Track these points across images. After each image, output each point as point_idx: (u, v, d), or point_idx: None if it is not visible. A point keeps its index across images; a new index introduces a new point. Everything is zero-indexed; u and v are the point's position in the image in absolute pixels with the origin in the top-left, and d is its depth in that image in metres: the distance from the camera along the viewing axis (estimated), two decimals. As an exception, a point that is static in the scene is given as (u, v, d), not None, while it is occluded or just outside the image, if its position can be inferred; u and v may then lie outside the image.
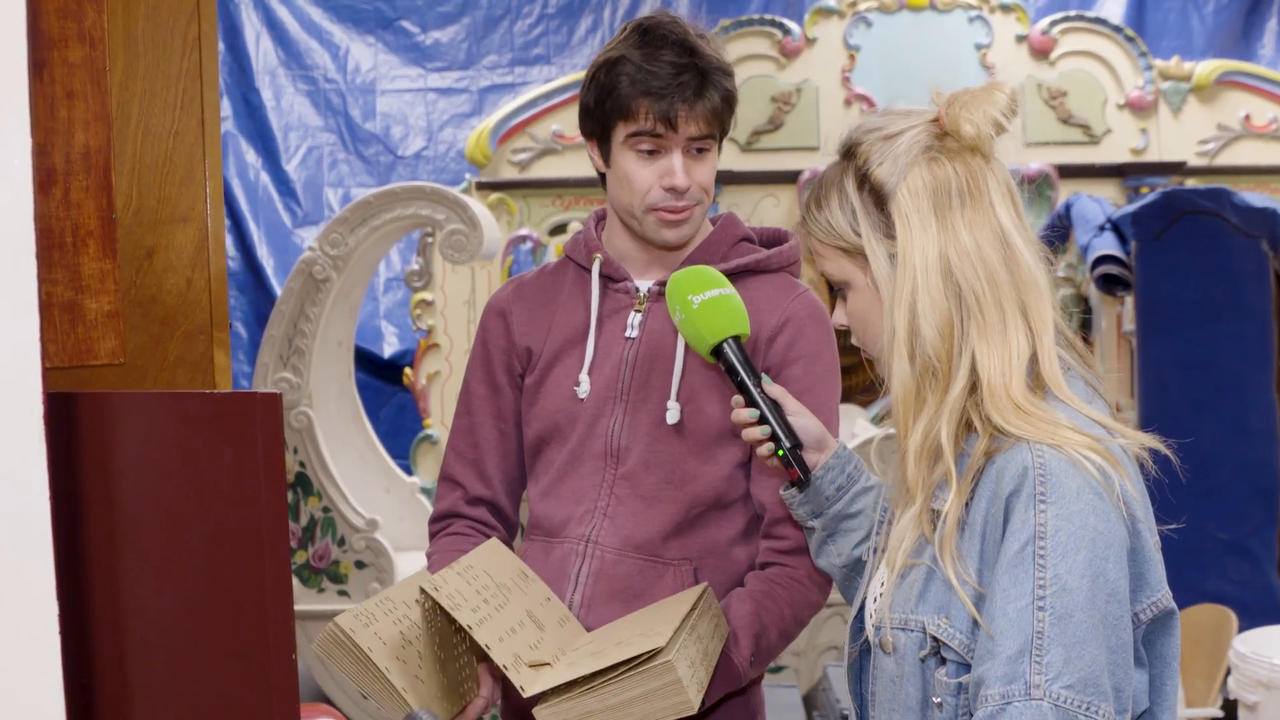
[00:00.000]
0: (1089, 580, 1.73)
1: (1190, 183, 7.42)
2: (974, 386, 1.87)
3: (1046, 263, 1.95)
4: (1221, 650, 4.60)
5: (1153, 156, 7.67)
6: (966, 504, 1.84)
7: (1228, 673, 4.30)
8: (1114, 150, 7.68)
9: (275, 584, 1.50)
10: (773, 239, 2.64)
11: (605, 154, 2.52)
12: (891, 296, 1.94)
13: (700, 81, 2.43)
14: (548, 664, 2.26)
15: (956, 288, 1.88)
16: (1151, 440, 1.89)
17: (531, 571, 2.49)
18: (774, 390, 2.26)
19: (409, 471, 7.29)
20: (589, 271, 2.62)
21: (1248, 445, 5.86)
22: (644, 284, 2.58)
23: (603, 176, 2.58)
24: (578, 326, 2.59)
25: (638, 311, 2.56)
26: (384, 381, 8.61)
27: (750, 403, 2.23)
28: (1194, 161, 7.69)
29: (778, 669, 5.89)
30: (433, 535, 2.69)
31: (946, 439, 1.87)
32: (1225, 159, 7.72)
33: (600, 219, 2.68)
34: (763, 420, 2.22)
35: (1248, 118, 7.72)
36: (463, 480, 2.66)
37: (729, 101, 2.48)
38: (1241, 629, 4.59)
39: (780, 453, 2.22)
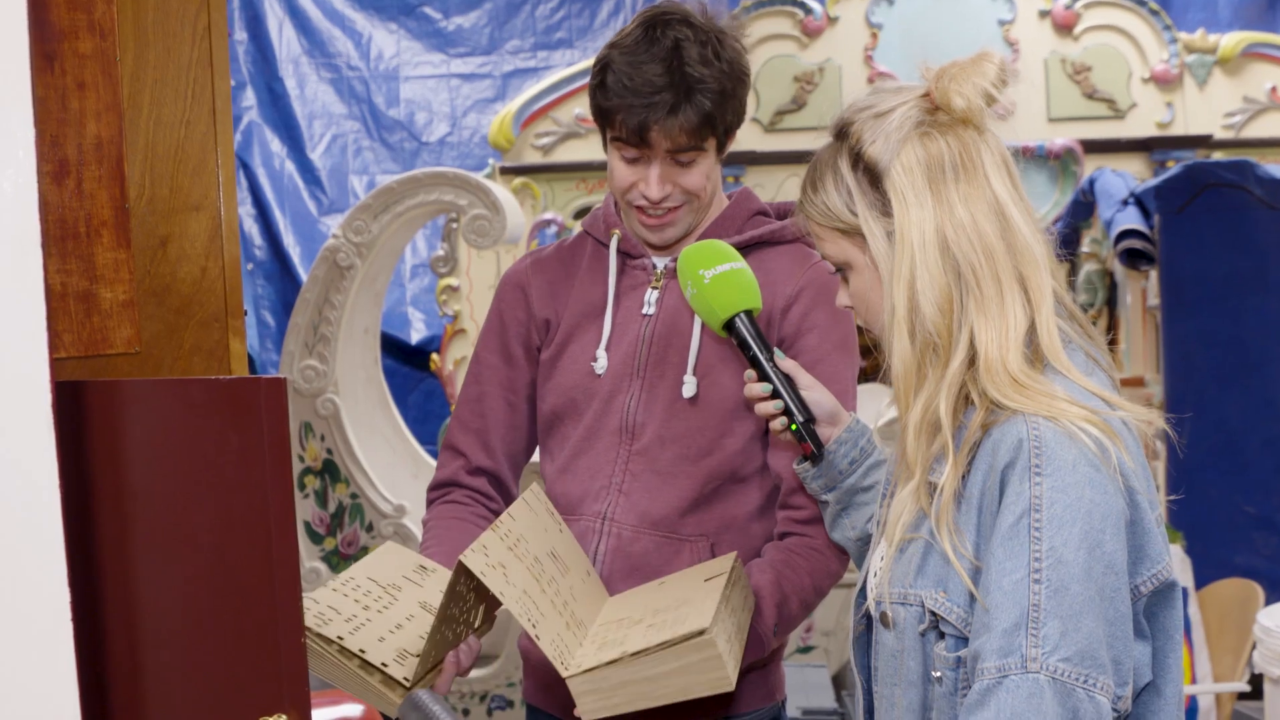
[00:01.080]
0: (1085, 552, 1.72)
1: (1216, 156, 7.38)
2: (972, 360, 1.87)
3: (1044, 233, 1.94)
4: (1248, 625, 4.58)
5: (1178, 130, 7.64)
6: (963, 477, 1.84)
7: (1254, 646, 4.29)
8: (1139, 124, 7.65)
9: (283, 568, 1.51)
10: (787, 211, 2.64)
11: (605, 143, 2.53)
12: (890, 274, 1.93)
13: (677, 99, 2.39)
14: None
15: (954, 262, 1.88)
16: (1150, 414, 1.89)
17: (559, 522, 2.46)
18: (786, 364, 2.26)
19: (437, 457, 7.30)
20: (606, 247, 2.62)
21: (1274, 420, 5.83)
22: (661, 261, 2.58)
23: None
24: (595, 302, 2.59)
25: (655, 289, 2.56)
26: (412, 367, 8.63)
27: (763, 377, 2.23)
28: (1220, 135, 7.65)
29: (807, 649, 5.89)
30: (430, 503, 2.69)
31: (945, 413, 1.86)
32: (1251, 131, 7.68)
33: None
34: (775, 394, 2.22)
35: (1274, 90, 7.67)
36: (465, 449, 2.66)
37: (711, 118, 2.42)
38: (1268, 603, 4.57)
39: (794, 427, 2.22)
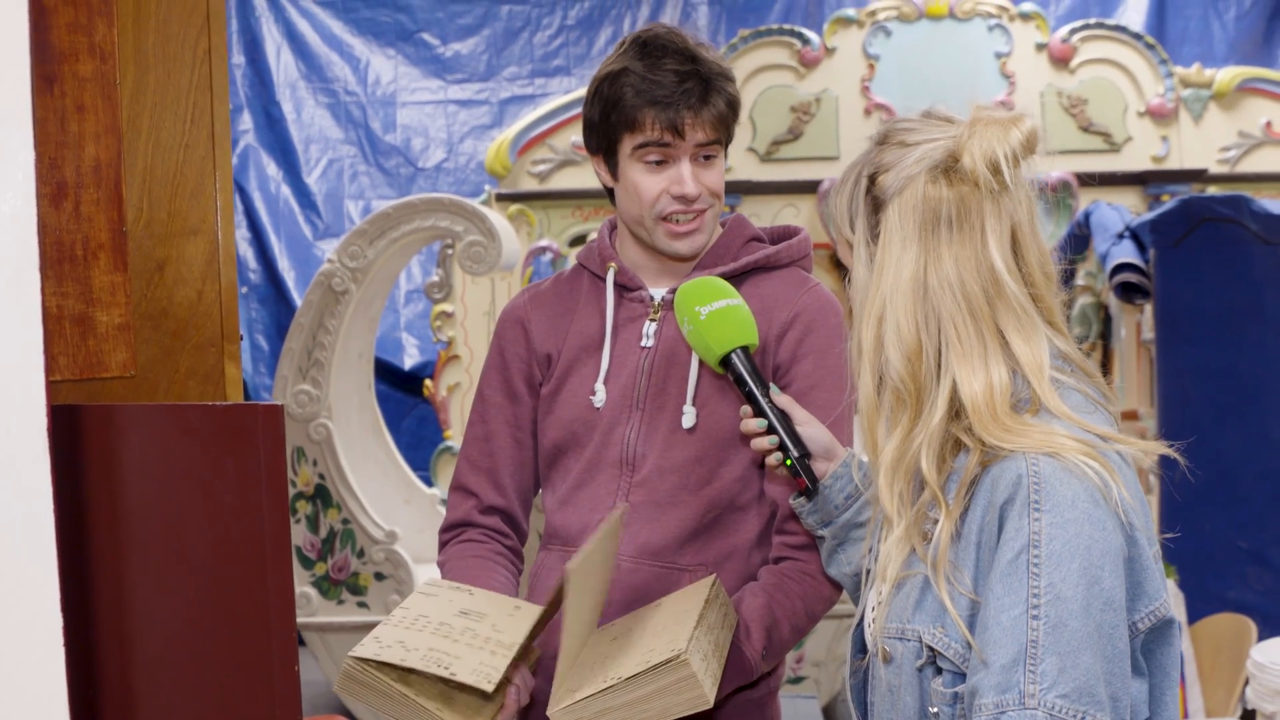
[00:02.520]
0: (1083, 589, 1.72)
1: (1211, 190, 7.40)
2: (958, 412, 1.85)
3: (1052, 293, 1.91)
4: (1241, 659, 4.57)
5: (1174, 164, 7.66)
6: (962, 514, 1.83)
7: (1246, 682, 4.28)
8: (1135, 158, 7.67)
9: (278, 594, 1.51)
10: (782, 235, 2.64)
11: (613, 168, 2.52)
12: (861, 306, 1.93)
13: (704, 88, 2.44)
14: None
15: (934, 313, 1.86)
16: (1153, 446, 1.88)
17: (472, 591, 2.48)
18: (782, 400, 2.25)
19: (429, 483, 7.30)
20: (603, 280, 2.62)
21: (1268, 454, 5.82)
22: (658, 292, 2.58)
23: (610, 191, 2.59)
24: (593, 335, 2.59)
25: (653, 321, 2.56)
26: (405, 393, 8.63)
27: (759, 413, 2.23)
28: (1215, 169, 7.66)
29: (798, 679, 5.88)
30: (443, 544, 2.68)
31: (928, 467, 1.85)
32: (1246, 166, 7.70)
33: (613, 227, 2.68)
34: (771, 430, 2.22)
35: (1269, 124, 7.69)
36: (476, 489, 2.65)
37: (733, 106, 2.50)
38: (1262, 638, 4.56)
39: (789, 463, 2.21)
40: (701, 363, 2.47)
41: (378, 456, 6.49)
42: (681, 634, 2.16)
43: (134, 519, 1.59)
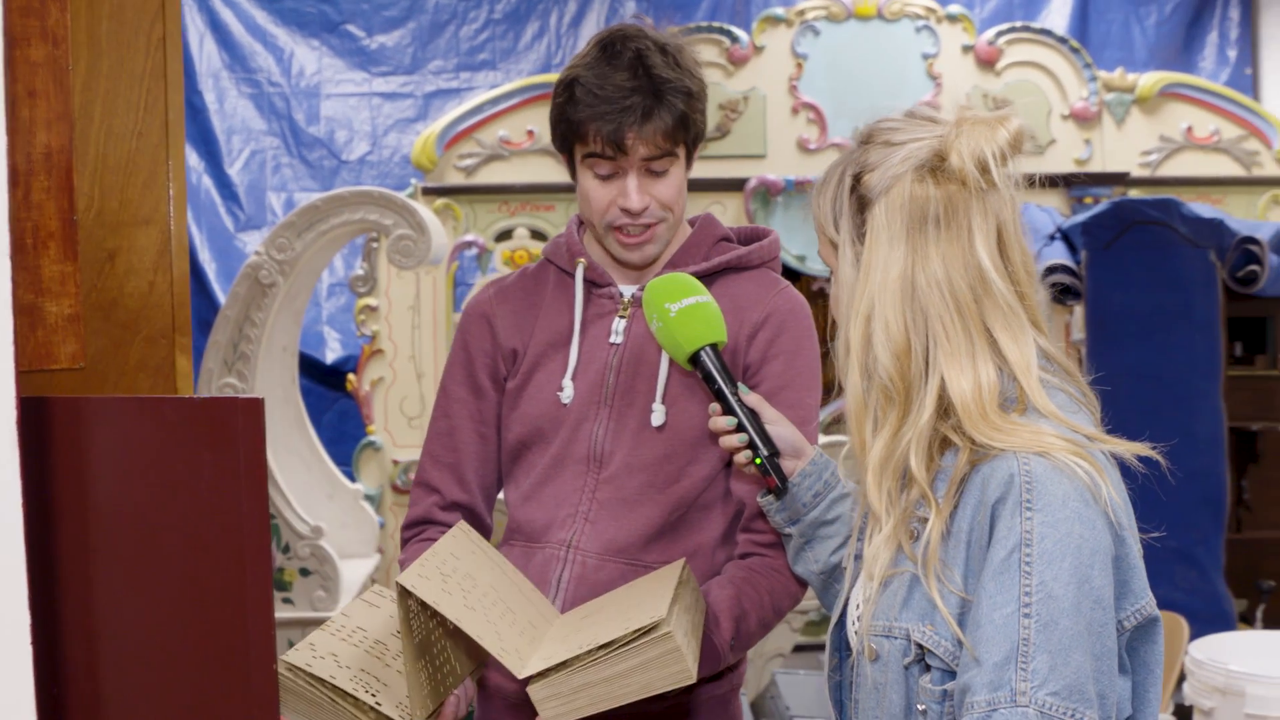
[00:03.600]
0: (1074, 587, 1.73)
1: (1133, 194, 7.47)
2: (946, 410, 1.86)
3: (1036, 293, 1.92)
4: (1174, 657, 4.62)
5: (1096, 167, 7.72)
6: (952, 513, 1.83)
7: (1180, 679, 4.32)
8: (1058, 160, 7.72)
9: (256, 593, 1.47)
10: (752, 236, 2.64)
11: (571, 169, 2.51)
12: (849, 305, 1.93)
13: (650, 103, 2.41)
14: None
15: (922, 312, 1.86)
16: (1137, 447, 1.89)
17: (496, 552, 2.45)
18: (751, 399, 2.25)
19: (352, 478, 7.23)
20: (571, 275, 2.60)
21: (1195, 454, 5.89)
22: (628, 289, 2.56)
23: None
24: (561, 331, 2.57)
25: (622, 317, 2.55)
26: (326, 388, 8.53)
27: (728, 411, 2.22)
28: (1137, 172, 7.74)
29: (726, 677, 5.86)
30: (405, 541, 2.65)
31: (917, 464, 1.85)
32: (1167, 170, 7.78)
33: (581, 223, 2.66)
34: (740, 428, 2.21)
35: (1190, 129, 7.78)
36: (439, 485, 2.62)
37: (685, 119, 2.46)
38: (1193, 636, 4.62)
39: (758, 461, 2.21)
40: (671, 361, 2.46)
41: (302, 452, 6.41)
42: (660, 604, 2.13)
43: (104, 516, 1.54)
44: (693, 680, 2.11)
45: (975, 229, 1.87)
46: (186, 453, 1.49)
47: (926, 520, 1.85)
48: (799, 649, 6.29)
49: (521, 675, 2.10)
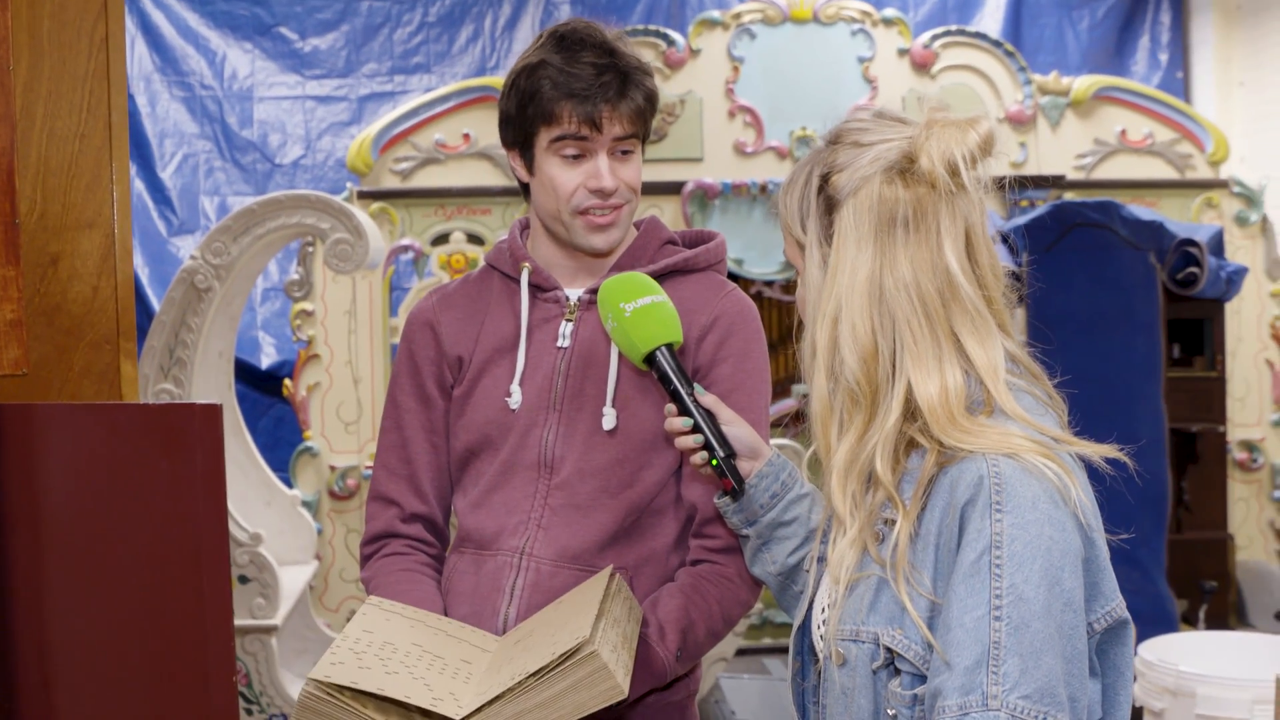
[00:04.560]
0: (1045, 590, 1.72)
1: (1068, 196, 7.52)
2: (913, 413, 1.85)
3: (1004, 297, 1.92)
4: (1118, 658, 4.64)
5: (1031, 170, 7.77)
6: (919, 515, 1.82)
7: (1133, 679, 4.34)
8: (994, 163, 7.75)
9: (214, 601, 1.44)
10: (697, 239, 2.63)
11: (529, 162, 2.49)
12: (816, 307, 1.92)
13: (622, 82, 2.43)
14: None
15: (890, 315, 1.85)
16: (1105, 449, 1.89)
17: (414, 609, 2.41)
18: (707, 400, 2.24)
19: (289, 484, 7.17)
20: (515, 281, 2.58)
21: (1137, 456, 5.92)
22: (574, 293, 2.55)
23: (524, 187, 2.55)
24: (507, 336, 2.55)
25: (569, 321, 2.53)
26: (262, 393, 8.46)
27: (684, 411, 2.21)
28: (1072, 175, 7.79)
29: (668, 681, 5.85)
30: (367, 558, 2.59)
31: (883, 466, 1.85)
32: (1102, 173, 7.84)
33: (524, 227, 2.64)
34: (696, 429, 2.20)
35: (1123, 132, 7.84)
36: (397, 498, 2.59)
37: (651, 101, 2.48)
38: (1139, 638, 4.65)
39: (714, 462, 2.20)
40: (621, 363, 2.45)
41: (239, 458, 6.36)
42: (584, 624, 2.12)
43: (57, 525, 1.51)
44: (624, 696, 2.10)
45: (944, 232, 1.86)
46: (142, 460, 1.46)
47: (892, 523, 1.84)
48: (741, 653, 6.29)
49: (459, 718, 2.09)
